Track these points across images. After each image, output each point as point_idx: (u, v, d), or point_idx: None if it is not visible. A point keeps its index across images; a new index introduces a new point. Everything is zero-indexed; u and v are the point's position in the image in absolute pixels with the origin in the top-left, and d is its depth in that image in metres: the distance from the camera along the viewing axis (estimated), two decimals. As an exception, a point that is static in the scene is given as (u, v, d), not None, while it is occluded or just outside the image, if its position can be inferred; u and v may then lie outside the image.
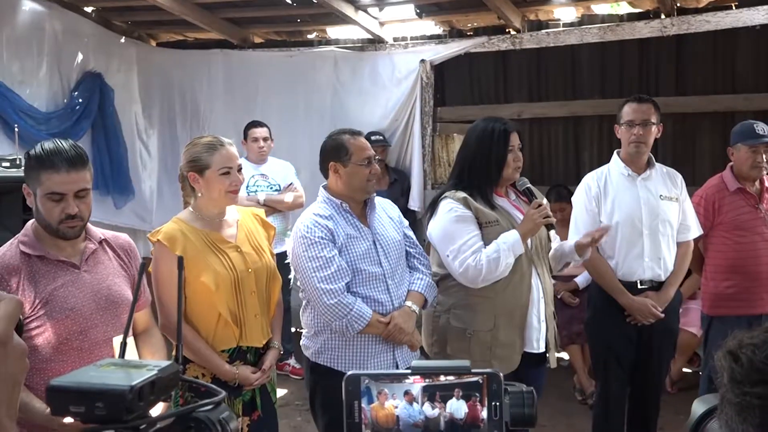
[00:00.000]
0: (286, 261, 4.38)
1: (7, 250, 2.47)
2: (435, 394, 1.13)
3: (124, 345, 0.98)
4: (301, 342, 3.30)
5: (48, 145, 2.45)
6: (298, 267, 3.15)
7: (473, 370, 1.14)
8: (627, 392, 3.98)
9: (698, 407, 0.97)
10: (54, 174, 2.39)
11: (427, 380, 1.14)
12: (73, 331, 2.45)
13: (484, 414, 1.13)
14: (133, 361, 0.94)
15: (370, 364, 3.10)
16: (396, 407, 1.14)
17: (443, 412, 1.13)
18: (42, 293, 2.40)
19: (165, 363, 0.92)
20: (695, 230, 4.00)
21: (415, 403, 1.13)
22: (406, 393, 1.14)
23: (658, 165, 3.96)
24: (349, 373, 1.15)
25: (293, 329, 6.10)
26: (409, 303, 3.18)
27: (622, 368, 3.91)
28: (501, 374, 1.14)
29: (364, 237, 3.17)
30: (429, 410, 1.13)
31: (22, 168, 2.52)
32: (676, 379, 5.58)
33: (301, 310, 3.26)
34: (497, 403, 1.13)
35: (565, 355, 5.51)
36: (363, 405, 1.14)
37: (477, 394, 1.13)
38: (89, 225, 2.61)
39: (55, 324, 2.42)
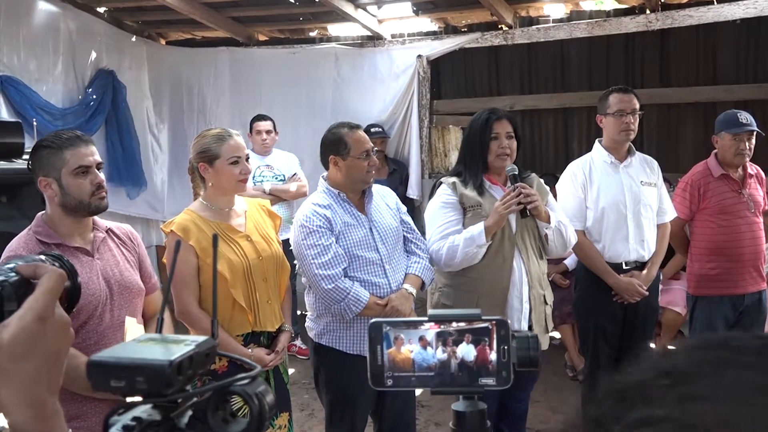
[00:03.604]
0: (291, 247, 4.36)
1: (26, 239, 2.45)
2: (447, 339, 1.18)
3: (161, 321, 0.96)
4: (306, 323, 3.29)
5: (57, 132, 2.53)
6: (298, 254, 3.14)
7: (483, 317, 1.18)
8: (613, 367, 3.97)
9: None
10: (77, 149, 2.45)
11: (441, 327, 1.18)
12: (91, 315, 2.45)
13: (492, 357, 1.18)
14: (171, 337, 0.91)
15: None
16: (411, 351, 1.18)
17: (455, 356, 1.18)
18: None
19: (202, 338, 0.90)
20: (671, 213, 4.03)
21: (429, 348, 1.18)
22: (421, 338, 1.18)
23: (637, 153, 3.95)
24: (372, 320, 1.20)
25: (298, 312, 6.09)
26: (406, 286, 3.17)
27: (609, 345, 3.90)
28: (508, 321, 1.21)
29: (361, 224, 3.15)
30: (441, 354, 1.18)
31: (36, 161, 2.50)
32: (662, 356, 5.57)
33: (305, 293, 3.25)
34: (506, 347, 1.18)
35: (556, 334, 5.49)
36: (384, 349, 1.19)
37: (486, 339, 1.18)
38: (95, 217, 2.60)
39: (78, 309, 2.39)
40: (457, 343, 1.17)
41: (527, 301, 3.25)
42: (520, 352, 1.18)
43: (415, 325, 1.18)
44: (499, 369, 1.17)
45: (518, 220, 3.24)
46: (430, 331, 1.17)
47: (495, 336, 1.17)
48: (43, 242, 2.43)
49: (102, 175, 2.52)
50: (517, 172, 3.25)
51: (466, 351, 1.17)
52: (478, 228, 3.11)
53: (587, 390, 4.03)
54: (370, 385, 1.20)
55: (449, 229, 3.18)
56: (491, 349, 1.17)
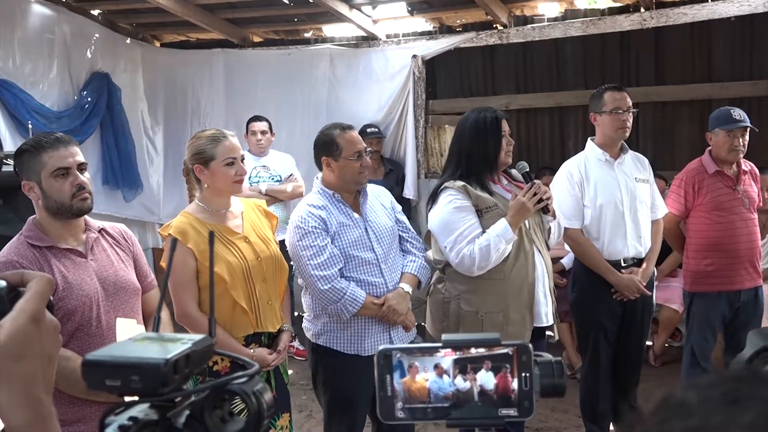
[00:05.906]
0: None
1: (18, 244, 2.43)
2: (466, 366, 1.08)
3: (157, 320, 0.96)
4: (303, 324, 3.30)
5: (37, 135, 2.51)
6: (294, 255, 3.14)
7: (504, 342, 1.09)
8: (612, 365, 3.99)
9: (757, 340, 0.88)
10: (55, 151, 2.42)
11: (457, 353, 1.09)
12: (88, 317, 2.44)
13: (514, 385, 1.08)
14: (167, 335, 0.90)
15: (367, 344, 3.09)
16: (427, 380, 1.09)
17: (475, 384, 1.09)
18: (58, 281, 2.38)
19: (199, 336, 0.89)
20: (663, 209, 4.07)
21: (445, 376, 1.09)
22: (436, 366, 1.09)
23: (629, 150, 3.97)
24: (381, 347, 1.10)
25: (295, 313, 6.09)
26: (402, 285, 3.17)
27: (608, 342, 3.91)
28: (530, 346, 1.09)
29: (356, 225, 3.15)
30: (461, 382, 1.08)
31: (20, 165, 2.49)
32: (659, 353, 5.59)
33: (302, 294, 3.26)
34: (527, 374, 1.08)
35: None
36: (395, 379, 1.10)
37: (507, 366, 1.08)
38: (86, 217, 2.58)
39: (72, 310, 2.40)
40: (475, 371, 1.08)
41: (549, 294, 3.26)
42: (544, 379, 1.09)
43: (430, 351, 1.09)
44: (521, 398, 1.08)
45: (532, 216, 3.25)
46: (446, 358, 1.08)
47: (516, 362, 1.08)
48: (34, 246, 2.41)
49: (85, 177, 2.48)
50: (528, 170, 3.27)
51: (486, 379, 1.08)
52: (501, 224, 3.07)
53: (590, 388, 4.02)
54: (379, 417, 1.11)
55: (473, 232, 3.11)
56: (513, 376, 1.08)
